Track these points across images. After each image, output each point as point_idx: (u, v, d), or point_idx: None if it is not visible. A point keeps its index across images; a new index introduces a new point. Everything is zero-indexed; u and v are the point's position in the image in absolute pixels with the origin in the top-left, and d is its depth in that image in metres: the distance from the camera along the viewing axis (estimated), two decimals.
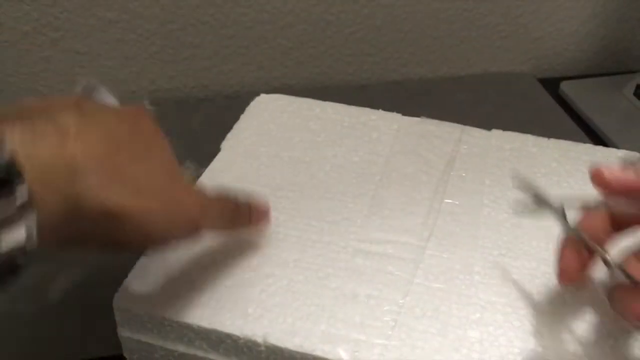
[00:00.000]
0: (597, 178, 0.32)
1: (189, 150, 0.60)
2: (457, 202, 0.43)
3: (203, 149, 0.48)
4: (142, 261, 0.39)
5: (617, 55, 0.81)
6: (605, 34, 0.79)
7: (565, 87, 0.73)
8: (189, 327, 0.35)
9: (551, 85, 0.74)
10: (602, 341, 0.35)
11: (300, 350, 0.34)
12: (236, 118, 0.51)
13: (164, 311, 0.36)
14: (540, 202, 0.37)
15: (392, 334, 0.35)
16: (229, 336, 0.35)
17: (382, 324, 0.35)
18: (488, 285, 0.38)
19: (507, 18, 0.74)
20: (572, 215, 0.36)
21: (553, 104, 0.70)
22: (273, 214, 0.42)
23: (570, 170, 0.46)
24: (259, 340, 0.34)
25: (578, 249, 0.35)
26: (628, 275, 0.33)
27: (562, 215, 0.36)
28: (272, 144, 0.48)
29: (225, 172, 0.45)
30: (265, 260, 0.39)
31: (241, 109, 0.52)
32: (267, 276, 0.38)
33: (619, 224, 0.36)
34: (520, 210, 0.38)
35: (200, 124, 0.65)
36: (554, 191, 0.43)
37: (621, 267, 0.33)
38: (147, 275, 0.38)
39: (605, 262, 0.34)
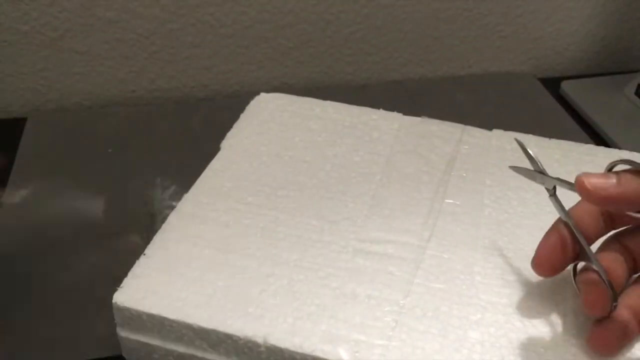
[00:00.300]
0: (579, 187, 0.32)
1: (189, 150, 0.60)
2: (457, 202, 0.43)
3: (203, 149, 0.48)
4: (142, 261, 0.38)
5: (617, 55, 0.81)
6: (605, 34, 0.79)
7: (566, 86, 0.73)
8: (189, 327, 0.35)
9: (551, 85, 0.74)
10: None
11: (300, 350, 0.34)
12: (236, 118, 0.51)
13: (164, 311, 0.36)
14: (538, 175, 0.37)
15: (392, 334, 0.35)
16: (229, 336, 0.35)
17: (382, 324, 0.35)
18: (489, 285, 0.38)
19: (507, 18, 0.74)
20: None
21: (554, 103, 0.70)
22: (273, 213, 0.42)
23: (572, 170, 0.46)
24: (259, 340, 0.34)
25: (564, 239, 0.35)
26: (605, 280, 0.33)
27: (554, 195, 0.36)
28: (272, 144, 0.48)
29: (225, 172, 0.45)
30: (265, 259, 0.39)
31: (241, 109, 0.52)
32: (267, 276, 0.38)
33: (612, 220, 0.36)
34: (518, 169, 0.38)
35: (200, 124, 0.65)
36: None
37: (601, 269, 0.33)
38: (146, 275, 0.38)
39: (586, 257, 0.34)
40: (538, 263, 0.36)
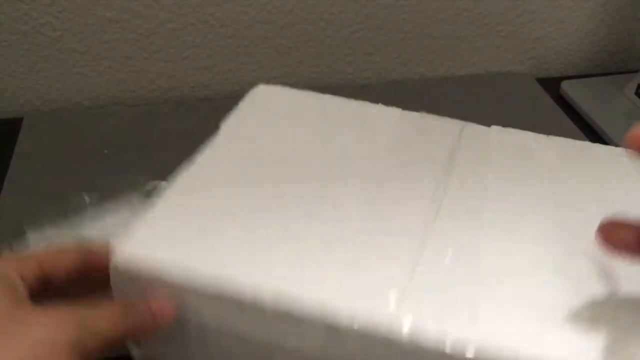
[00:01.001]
0: (602, 234, 0.32)
1: (189, 150, 0.60)
2: (457, 199, 0.43)
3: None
4: (147, 212, 0.39)
5: (617, 55, 0.81)
6: (605, 34, 0.79)
7: (566, 86, 0.73)
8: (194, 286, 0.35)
9: (551, 85, 0.74)
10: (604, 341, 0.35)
11: (307, 306, 0.34)
12: None
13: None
14: None
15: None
16: (237, 292, 0.34)
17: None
18: (491, 284, 0.37)
19: (507, 18, 0.74)
20: None
21: (552, 104, 0.70)
22: (274, 202, 0.42)
23: (569, 166, 0.46)
24: (267, 297, 0.34)
25: None
26: None
27: None
28: (270, 136, 0.48)
29: (220, 166, 0.45)
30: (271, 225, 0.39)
31: None
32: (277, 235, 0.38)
33: None
34: None
35: (200, 124, 0.65)
36: (554, 187, 0.44)
37: None
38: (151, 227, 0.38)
39: None
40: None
